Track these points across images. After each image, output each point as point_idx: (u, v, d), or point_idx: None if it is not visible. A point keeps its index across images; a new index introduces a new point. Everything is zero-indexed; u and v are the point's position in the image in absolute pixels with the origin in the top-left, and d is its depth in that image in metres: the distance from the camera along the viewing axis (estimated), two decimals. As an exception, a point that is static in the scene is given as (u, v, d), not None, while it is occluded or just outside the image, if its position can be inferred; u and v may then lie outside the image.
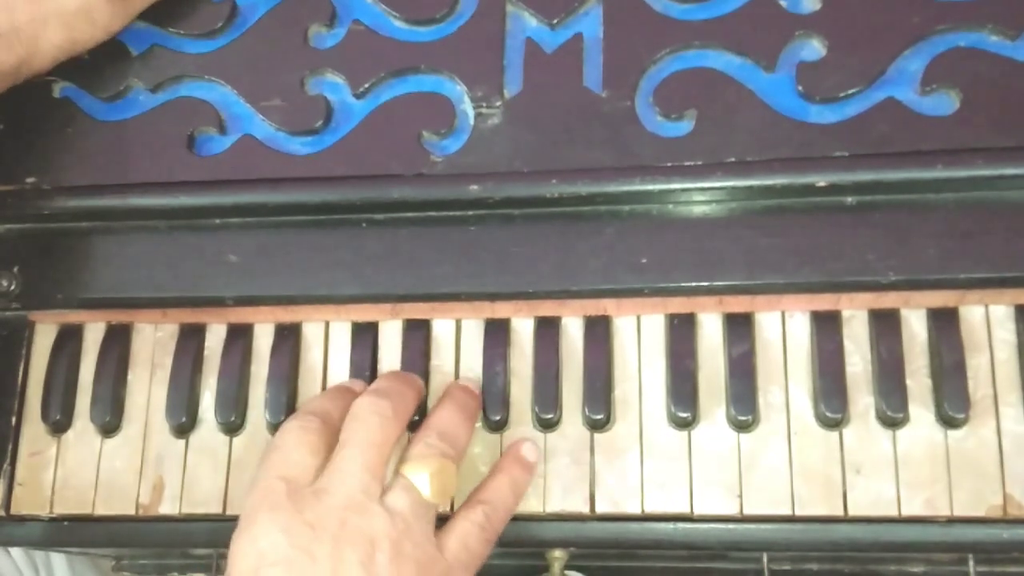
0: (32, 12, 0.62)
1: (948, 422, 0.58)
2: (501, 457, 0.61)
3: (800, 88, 0.61)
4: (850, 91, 0.60)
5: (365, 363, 0.64)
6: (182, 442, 0.65)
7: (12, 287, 0.66)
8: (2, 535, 0.66)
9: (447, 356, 0.64)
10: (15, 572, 0.84)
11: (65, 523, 0.66)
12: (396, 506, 0.54)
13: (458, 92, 0.65)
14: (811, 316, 0.61)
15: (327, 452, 0.56)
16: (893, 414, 0.58)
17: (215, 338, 0.67)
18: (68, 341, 0.68)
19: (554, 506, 0.61)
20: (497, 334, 0.64)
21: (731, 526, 0.60)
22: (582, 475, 0.61)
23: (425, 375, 0.64)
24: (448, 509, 0.60)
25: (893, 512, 0.58)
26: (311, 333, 0.66)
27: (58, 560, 0.87)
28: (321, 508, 0.52)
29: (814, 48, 0.62)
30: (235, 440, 0.65)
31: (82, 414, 0.66)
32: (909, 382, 0.59)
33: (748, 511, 0.59)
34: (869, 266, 0.58)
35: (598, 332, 0.63)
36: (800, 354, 0.61)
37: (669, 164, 0.60)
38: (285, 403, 0.64)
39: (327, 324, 0.66)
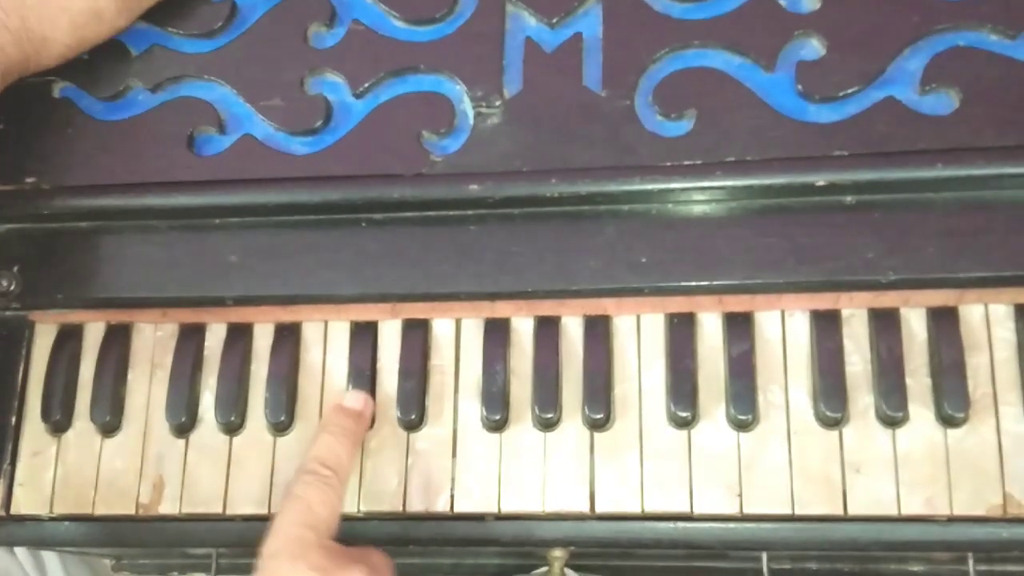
0: (41, 11, 0.62)
1: (948, 421, 0.58)
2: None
3: (799, 87, 0.61)
4: (849, 90, 0.60)
5: (365, 363, 0.64)
6: (182, 442, 0.65)
7: (12, 287, 0.66)
8: (2, 535, 0.66)
9: (447, 356, 0.64)
10: (18, 571, 0.84)
11: (65, 523, 0.66)
12: None
13: (458, 92, 0.65)
14: (811, 315, 0.61)
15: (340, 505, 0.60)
16: (893, 413, 0.58)
17: (215, 338, 0.67)
18: (68, 341, 0.68)
19: (554, 505, 0.61)
20: (497, 333, 0.64)
21: (731, 525, 0.60)
22: (582, 474, 0.61)
23: (425, 375, 0.64)
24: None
25: (893, 511, 0.58)
26: (311, 333, 0.66)
27: (51, 559, 0.87)
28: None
29: (813, 47, 0.62)
30: (235, 440, 0.65)
31: (82, 414, 0.66)
32: (909, 381, 0.59)
33: (748, 510, 0.59)
34: (869, 265, 0.58)
35: (598, 331, 0.63)
36: (800, 353, 0.61)
37: (669, 163, 0.60)
38: (285, 402, 0.64)
39: (327, 324, 0.66)
